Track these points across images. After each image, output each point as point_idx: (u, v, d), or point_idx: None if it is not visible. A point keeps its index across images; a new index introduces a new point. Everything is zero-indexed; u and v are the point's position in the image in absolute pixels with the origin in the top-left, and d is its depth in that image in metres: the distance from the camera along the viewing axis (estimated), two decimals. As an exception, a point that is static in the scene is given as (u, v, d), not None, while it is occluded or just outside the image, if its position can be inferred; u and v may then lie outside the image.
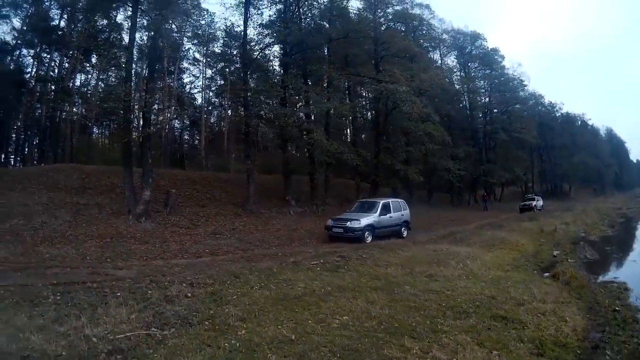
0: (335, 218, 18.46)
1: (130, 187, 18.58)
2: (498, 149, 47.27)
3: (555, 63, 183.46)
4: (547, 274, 13.86)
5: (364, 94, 39.79)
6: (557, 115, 61.53)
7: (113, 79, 39.12)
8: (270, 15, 25.55)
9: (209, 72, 43.07)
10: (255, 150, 24.13)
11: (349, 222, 17.29)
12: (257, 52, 24.84)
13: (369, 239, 17.25)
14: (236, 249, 15.19)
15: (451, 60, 47.52)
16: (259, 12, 25.08)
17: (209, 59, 41.35)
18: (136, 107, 20.57)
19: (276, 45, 25.64)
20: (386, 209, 19.02)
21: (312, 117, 25.55)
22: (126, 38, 27.18)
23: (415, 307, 8.66)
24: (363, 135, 38.51)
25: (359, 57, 29.89)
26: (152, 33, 20.09)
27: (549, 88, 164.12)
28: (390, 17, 32.20)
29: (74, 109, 35.08)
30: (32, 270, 10.00)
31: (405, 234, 19.73)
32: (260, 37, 25.51)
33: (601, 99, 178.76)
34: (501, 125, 44.41)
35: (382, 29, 29.87)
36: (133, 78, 20.36)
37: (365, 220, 17.54)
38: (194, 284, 9.27)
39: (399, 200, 21.25)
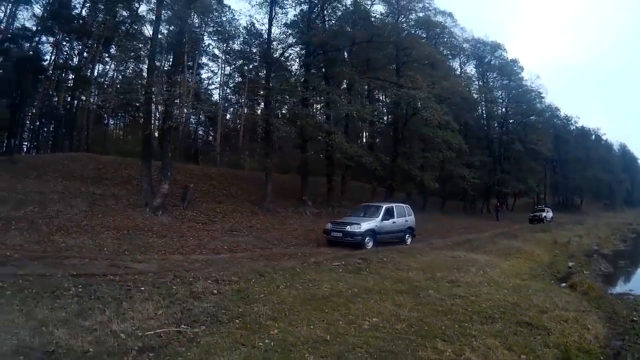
0: (334, 221, 17.74)
1: (148, 179, 18.62)
2: (512, 159, 47.33)
3: (569, 76, 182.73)
4: (564, 284, 14.09)
5: (381, 99, 40.01)
6: (572, 128, 61.63)
7: (130, 71, 39.84)
8: (295, 15, 25.97)
9: (227, 69, 43.37)
10: (272, 149, 24.20)
11: (348, 226, 16.50)
12: (280, 52, 25.25)
13: (370, 244, 16.52)
14: (254, 247, 15.36)
15: (470, 69, 47.69)
16: (284, 11, 25.50)
17: (228, 56, 41.57)
18: (154, 99, 20.64)
19: (298, 46, 25.93)
20: (389, 213, 18.26)
21: (331, 119, 25.64)
22: (146, 30, 27.90)
23: (443, 311, 8.84)
24: (377, 140, 38.67)
25: (379, 61, 30.09)
26: (178, 26, 20.02)
27: (563, 101, 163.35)
28: (412, 23, 32.23)
29: (92, 99, 35.43)
30: (49, 259, 10.01)
31: (409, 241, 18.99)
32: (283, 36, 25.99)
33: (616, 115, 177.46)
34: (517, 136, 44.61)
35: (404, 34, 29.89)
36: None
37: (366, 225, 16.75)
38: (219, 280, 9.33)
39: (404, 205, 20.36)
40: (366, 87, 30.55)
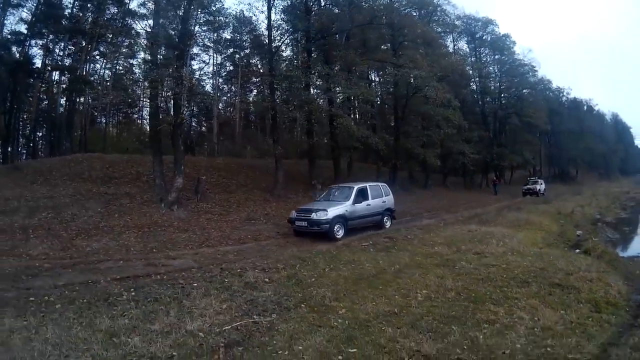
0: (299, 209, 15.85)
1: (161, 175, 18.95)
2: (508, 133, 48.71)
3: (561, 48, 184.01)
4: (577, 250, 15.09)
5: (374, 79, 40.66)
6: (565, 100, 62.97)
7: (120, 68, 40.00)
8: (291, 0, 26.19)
9: (217, 58, 43.69)
10: (278, 135, 24.49)
11: (313, 214, 14.61)
12: (282, 39, 25.61)
13: (340, 233, 14.74)
14: (277, 233, 15.80)
15: (461, 45, 48.47)
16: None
17: (218, 45, 41.84)
18: (162, 94, 20.67)
19: (298, 32, 26.04)
20: (362, 195, 16.29)
21: (334, 103, 26.01)
22: (136, 25, 28.33)
23: (482, 279, 9.69)
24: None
25: (374, 42, 30.48)
26: (179, 18, 19.74)
27: (555, 74, 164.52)
28: (404, 2, 32.51)
29: (89, 99, 35.65)
30: (81, 265, 10.05)
31: (388, 224, 17.12)
32: (281, 22, 26.34)
33: (608, 86, 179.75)
34: (513, 110, 45.85)
35: (399, 14, 30.20)
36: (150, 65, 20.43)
37: (334, 210, 14.80)
38: (265, 269, 9.68)
39: (379, 184, 18.34)
40: (365, 68, 30.99)
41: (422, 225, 17.71)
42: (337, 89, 24.82)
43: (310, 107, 23.29)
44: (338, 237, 14.47)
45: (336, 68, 24.33)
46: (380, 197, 17.05)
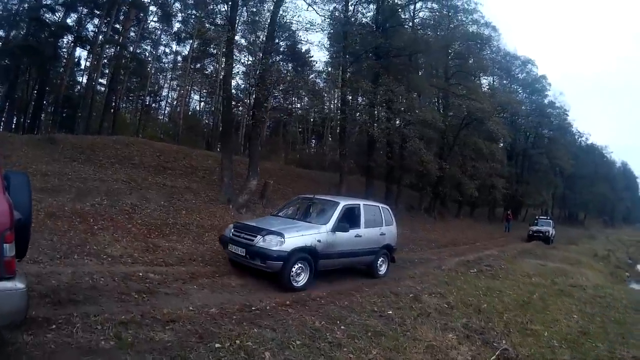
0: (239, 224, 10.40)
1: (230, 174, 18.58)
2: (532, 171, 51.47)
3: (572, 89, 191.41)
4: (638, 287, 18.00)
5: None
6: (582, 145, 66.67)
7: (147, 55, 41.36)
8: (369, 17, 27.87)
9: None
10: (346, 149, 25.84)
11: (259, 238, 9.12)
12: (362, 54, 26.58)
13: (302, 279, 9.33)
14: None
15: (493, 80, 49.57)
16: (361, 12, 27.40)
17: (251, 47, 43.62)
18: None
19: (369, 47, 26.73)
20: (351, 218, 10.76)
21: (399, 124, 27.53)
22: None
23: (607, 307, 11.72)
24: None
25: (432, 70, 33.21)
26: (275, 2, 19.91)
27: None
28: (458, 35, 34.05)
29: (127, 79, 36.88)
30: (202, 279, 8.93)
31: (383, 270, 11.94)
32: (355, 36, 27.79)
33: (616, 129, 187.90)
34: (544, 150, 49.00)
35: (457, 44, 32.51)
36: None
37: (297, 237, 9.33)
38: (429, 294, 9.94)
39: (379, 205, 12.52)
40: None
41: (491, 255, 19.48)
42: (403, 109, 26.36)
43: (383, 126, 25.02)
44: (296, 285, 9.18)
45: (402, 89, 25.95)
46: (377, 225, 11.69)
